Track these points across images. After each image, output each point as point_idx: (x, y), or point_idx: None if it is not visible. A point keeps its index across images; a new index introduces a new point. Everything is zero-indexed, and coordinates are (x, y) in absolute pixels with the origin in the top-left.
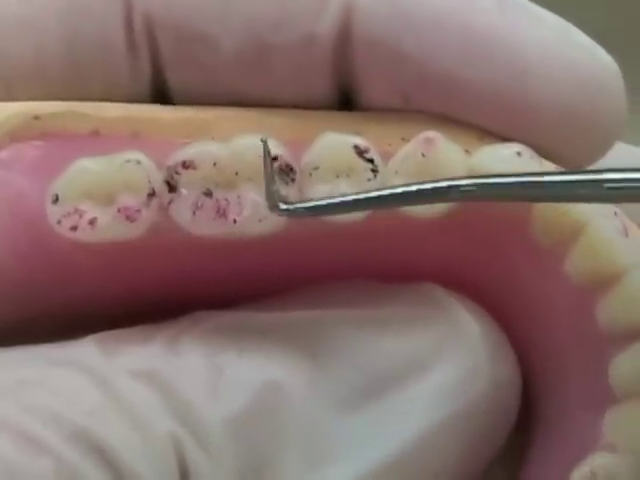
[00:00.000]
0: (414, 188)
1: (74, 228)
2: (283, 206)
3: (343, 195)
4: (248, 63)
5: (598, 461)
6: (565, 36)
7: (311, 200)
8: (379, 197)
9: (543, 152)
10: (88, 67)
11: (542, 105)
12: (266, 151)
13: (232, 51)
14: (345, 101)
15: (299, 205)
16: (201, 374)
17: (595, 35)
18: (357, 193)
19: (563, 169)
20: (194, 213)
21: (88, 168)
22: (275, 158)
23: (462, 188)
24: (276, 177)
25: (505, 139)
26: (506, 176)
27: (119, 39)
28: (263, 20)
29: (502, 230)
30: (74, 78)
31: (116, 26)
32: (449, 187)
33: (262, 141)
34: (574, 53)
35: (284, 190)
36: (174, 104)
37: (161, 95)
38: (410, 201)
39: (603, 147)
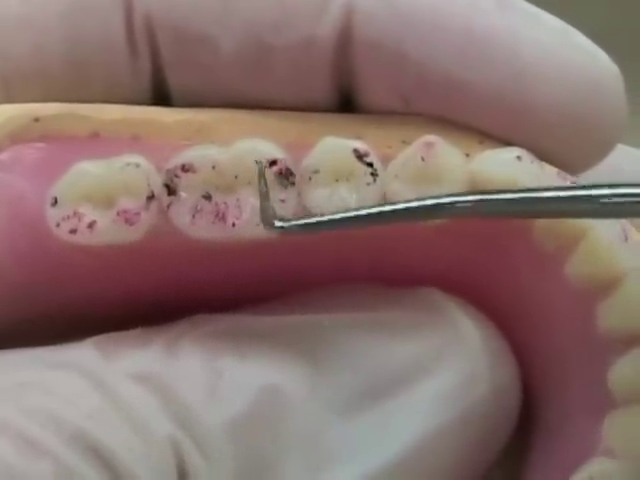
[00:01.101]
0: (414, 204)
1: (73, 231)
2: (278, 223)
3: (338, 212)
4: (248, 64)
5: (597, 467)
6: (564, 38)
7: (307, 216)
8: (378, 213)
9: (543, 155)
10: (88, 68)
11: (541, 107)
12: (260, 170)
13: (232, 52)
14: (345, 103)
15: (294, 222)
16: (200, 377)
17: (594, 36)
18: (355, 209)
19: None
20: (193, 216)
21: (88, 171)
22: (275, 162)
23: (461, 204)
24: (270, 193)
25: (505, 141)
26: (509, 192)
27: (120, 39)
28: (263, 21)
29: (504, 234)
30: (74, 79)
31: (117, 26)
32: (451, 203)
33: (257, 163)
34: (573, 55)
35: (283, 194)
36: (174, 105)
37: (161, 96)
38: (409, 217)
39: (603, 149)
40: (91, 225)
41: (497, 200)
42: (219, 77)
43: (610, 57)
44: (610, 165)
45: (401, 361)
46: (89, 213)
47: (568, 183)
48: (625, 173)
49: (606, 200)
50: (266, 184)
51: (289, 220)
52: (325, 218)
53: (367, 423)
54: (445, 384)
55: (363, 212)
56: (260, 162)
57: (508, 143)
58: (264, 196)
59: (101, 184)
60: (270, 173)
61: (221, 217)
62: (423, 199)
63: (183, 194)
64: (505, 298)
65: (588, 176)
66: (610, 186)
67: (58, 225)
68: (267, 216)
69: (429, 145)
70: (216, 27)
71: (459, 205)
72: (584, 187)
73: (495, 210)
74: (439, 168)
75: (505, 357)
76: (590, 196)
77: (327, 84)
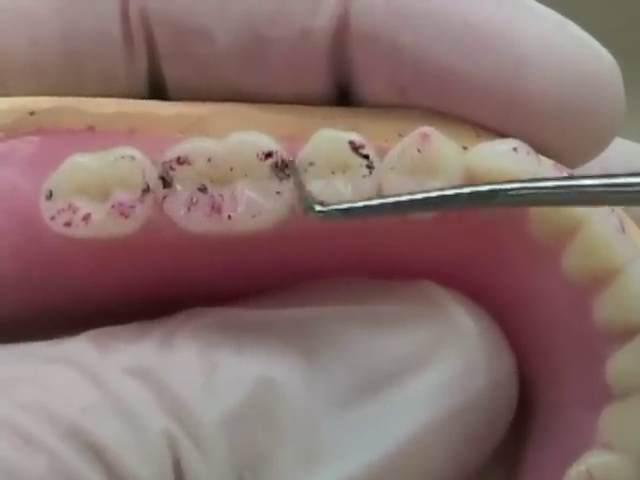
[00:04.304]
0: (466, 190)
1: (68, 224)
2: (318, 207)
3: (382, 197)
4: (244, 57)
5: (594, 460)
6: (561, 29)
7: (347, 201)
8: (422, 200)
9: (540, 147)
10: (84, 61)
11: (537, 97)
12: (294, 161)
13: (228, 44)
14: (342, 96)
15: (334, 207)
16: (195, 370)
17: (595, 35)
18: (397, 195)
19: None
20: (189, 209)
21: (82, 164)
22: (270, 154)
23: (510, 192)
24: (266, 185)
25: (502, 133)
26: (553, 179)
27: (115, 32)
28: (260, 13)
29: (499, 226)
30: (70, 72)
31: (112, 19)
32: (491, 191)
33: (289, 162)
34: (569, 46)
35: (278, 186)
36: (170, 98)
37: (157, 89)
38: (457, 204)
39: (601, 142)
40: (86, 218)
41: (545, 188)
42: (215, 70)
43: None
44: (613, 160)
45: (397, 354)
46: (84, 206)
47: (565, 175)
48: (625, 167)
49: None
50: (298, 171)
51: (328, 205)
52: (365, 203)
53: (363, 416)
54: (442, 376)
55: (404, 198)
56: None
57: (505, 135)
58: (300, 184)
59: (96, 177)
60: (265, 165)
61: (216, 209)
62: (476, 186)
63: (178, 186)
64: (501, 291)
65: (587, 169)
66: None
67: (53, 218)
68: (307, 202)
69: (425, 137)
70: (212, 19)
71: (512, 193)
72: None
73: (542, 199)
74: (435, 160)
75: (502, 349)
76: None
77: (323, 76)
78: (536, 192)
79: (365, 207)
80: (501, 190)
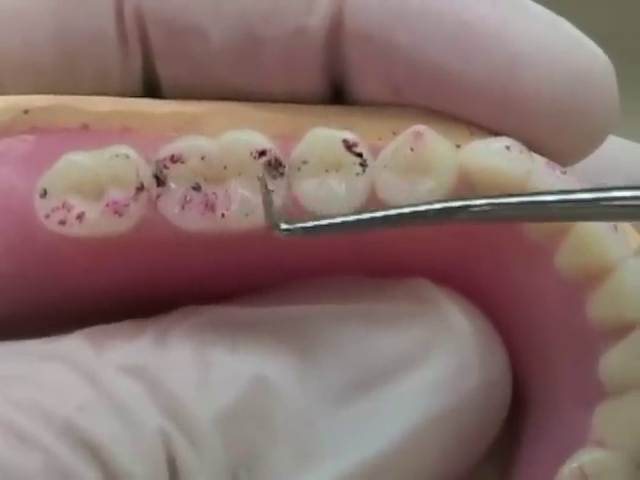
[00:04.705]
0: (422, 208)
1: (62, 222)
2: (284, 226)
3: (345, 215)
4: (238, 55)
5: (587, 457)
6: (555, 28)
7: (313, 219)
8: (383, 217)
9: (534, 145)
10: (79, 60)
11: (531, 96)
12: (263, 177)
13: (222, 43)
14: (336, 95)
15: (300, 225)
16: (190, 368)
17: (589, 34)
18: (359, 213)
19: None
20: (182, 207)
21: (76, 162)
22: (264, 152)
23: (473, 209)
24: (273, 197)
25: (495, 132)
26: (519, 196)
27: (110, 32)
28: (254, 12)
29: (496, 226)
30: (65, 72)
31: (107, 19)
32: (459, 207)
33: (259, 178)
34: (563, 44)
35: (272, 184)
36: (165, 97)
37: (152, 88)
38: (415, 221)
39: (594, 140)
40: (80, 216)
41: (510, 204)
42: (209, 68)
43: (611, 59)
44: (607, 157)
45: (391, 352)
46: (78, 204)
47: (557, 173)
48: (622, 166)
49: (625, 203)
50: (267, 187)
51: (294, 223)
52: (330, 221)
53: (357, 414)
54: (435, 375)
55: (367, 216)
56: (262, 176)
57: (498, 133)
58: (267, 199)
59: (90, 175)
60: (259, 164)
61: (210, 208)
62: (430, 203)
63: (172, 185)
64: (494, 289)
65: (585, 168)
66: (625, 188)
67: (47, 216)
68: (273, 219)
69: (418, 135)
70: (207, 18)
71: (469, 209)
72: (597, 189)
73: (507, 215)
74: (428, 158)
75: (496, 348)
76: (604, 198)
77: (318, 75)
78: (499, 209)
79: (331, 225)
80: (467, 206)
